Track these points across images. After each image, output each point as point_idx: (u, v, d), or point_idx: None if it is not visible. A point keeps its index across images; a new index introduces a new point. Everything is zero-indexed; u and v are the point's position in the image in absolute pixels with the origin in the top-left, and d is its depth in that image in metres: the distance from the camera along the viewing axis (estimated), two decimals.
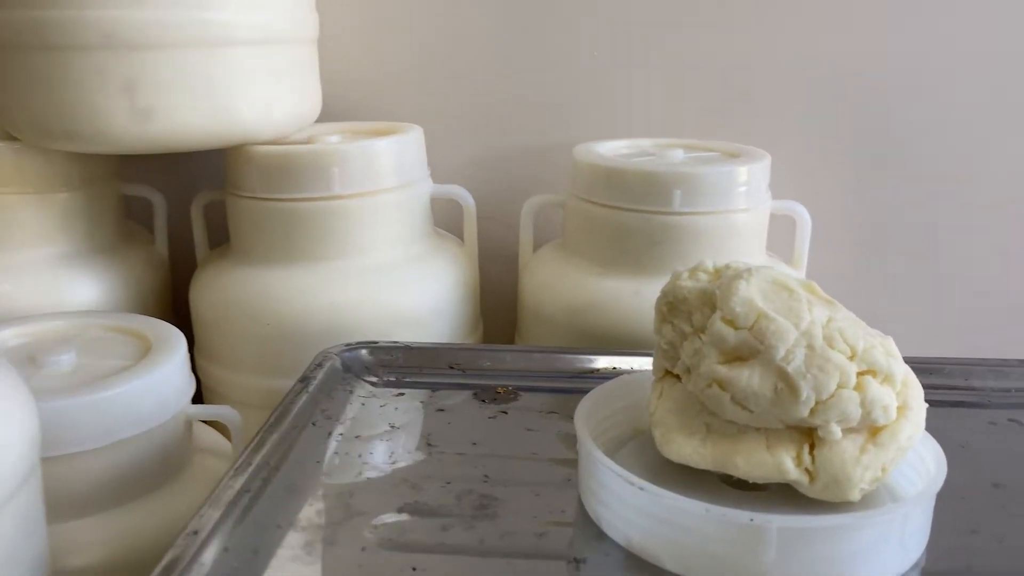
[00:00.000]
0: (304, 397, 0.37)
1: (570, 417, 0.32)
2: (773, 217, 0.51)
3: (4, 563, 0.26)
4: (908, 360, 0.28)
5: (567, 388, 0.40)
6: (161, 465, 0.40)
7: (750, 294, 0.28)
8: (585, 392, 0.33)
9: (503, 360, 0.42)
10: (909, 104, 0.56)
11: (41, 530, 0.29)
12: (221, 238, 0.54)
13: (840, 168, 0.57)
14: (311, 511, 0.30)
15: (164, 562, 0.25)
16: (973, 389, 0.40)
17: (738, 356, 0.28)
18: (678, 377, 0.31)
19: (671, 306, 0.31)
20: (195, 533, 0.26)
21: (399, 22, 0.57)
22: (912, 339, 0.57)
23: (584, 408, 0.32)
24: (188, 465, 0.42)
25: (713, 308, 0.29)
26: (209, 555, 0.26)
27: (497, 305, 0.59)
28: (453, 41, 0.57)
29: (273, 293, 0.47)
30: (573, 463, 0.33)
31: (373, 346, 0.42)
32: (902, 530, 0.26)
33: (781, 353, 0.27)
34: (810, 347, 0.27)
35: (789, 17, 0.55)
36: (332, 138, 0.51)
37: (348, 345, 0.42)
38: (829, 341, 0.27)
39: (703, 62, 0.56)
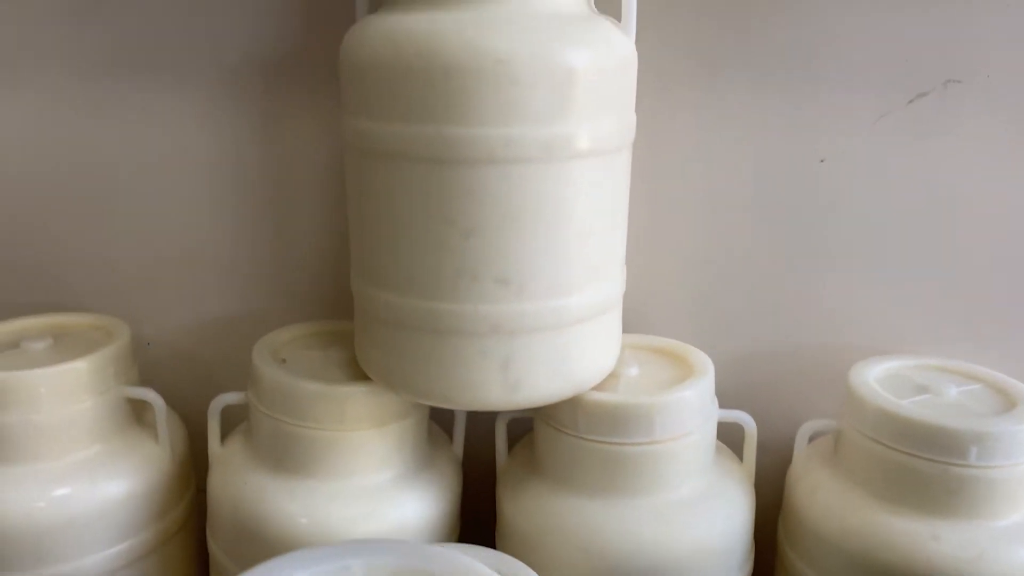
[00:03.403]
0: None
1: None
2: None
3: None
4: None
5: None
6: None
7: None
8: None
9: None
10: None
11: None
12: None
13: None
14: None
15: None
16: None
17: None
18: None
19: None
20: None
21: (674, 249, 0.63)
22: None
23: None
24: None
25: None
26: None
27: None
28: (724, 266, 0.63)
29: (600, 526, 0.53)
30: None
31: None
32: None
33: None
34: None
35: None
36: (632, 370, 0.57)
37: None
38: None
39: (966, 282, 0.61)
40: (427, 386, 0.50)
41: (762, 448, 0.60)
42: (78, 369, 0.55)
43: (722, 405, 0.58)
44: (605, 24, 0.48)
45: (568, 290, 0.49)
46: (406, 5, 0.47)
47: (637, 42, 0.51)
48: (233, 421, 0.61)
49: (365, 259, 0.51)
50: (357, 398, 0.54)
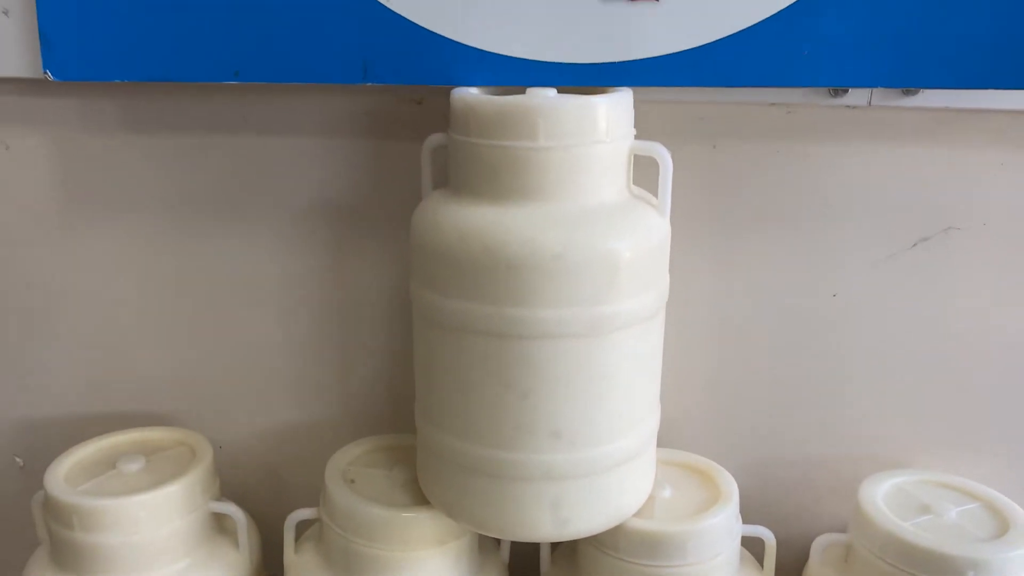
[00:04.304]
0: None
1: None
2: None
3: None
4: None
5: None
6: None
7: None
8: None
9: None
10: None
11: None
12: None
13: None
14: None
15: None
16: None
17: None
18: None
19: None
20: None
21: (702, 372, 0.69)
22: None
23: None
24: None
25: None
26: None
27: None
28: (747, 386, 0.70)
29: None
30: None
31: None
32: None
33: None
34: None
35: None
36: (665, 492, 0.63)
37: None
38: None
39: (964, 401, 0.68)
40: (484, 520, 0.57)
41: (780, 547, 0.66)
42: (171, 493, 0.62)
43: (743, 510, 0.65)
44: (643, 209, 0.54)
45: (613, 438, 0.55)
46: (471, 194, 0.53)
47: (674, 194, 0.57)
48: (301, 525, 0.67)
49: (430, 405, 0.58)
50: (420, 523, 0.60)
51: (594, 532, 0.58)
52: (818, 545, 0.65)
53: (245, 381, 0.73)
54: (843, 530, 0.66)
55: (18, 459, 0.77)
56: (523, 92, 0.55)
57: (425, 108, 0.64)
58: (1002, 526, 0.62)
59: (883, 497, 0.64)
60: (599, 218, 0.52)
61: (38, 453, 0.76)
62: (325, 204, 0.67)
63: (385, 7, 0.56)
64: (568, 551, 0.67)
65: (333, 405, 0.73)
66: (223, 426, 0.73)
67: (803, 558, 0.68)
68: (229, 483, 0.70)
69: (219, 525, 0.67)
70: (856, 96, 0.60)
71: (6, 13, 0.61)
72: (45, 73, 0.60)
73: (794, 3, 0.54)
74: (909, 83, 0.56)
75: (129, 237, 0.70)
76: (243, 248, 0.69)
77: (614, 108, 0.52)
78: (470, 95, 0.53)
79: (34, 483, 0.76)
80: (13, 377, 0.75)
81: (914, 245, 0.65)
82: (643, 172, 0.57)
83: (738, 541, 0.63)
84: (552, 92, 0.55)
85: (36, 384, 0.75)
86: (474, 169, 0.53)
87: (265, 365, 0.72)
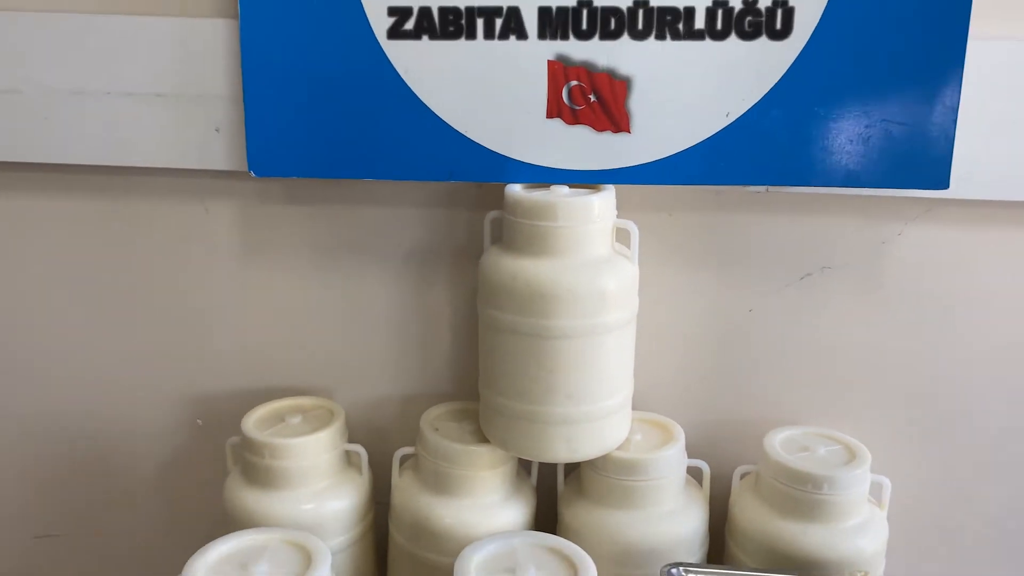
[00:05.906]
0: None
1: None
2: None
3: None
4: None
5: None
6: None
7: None
8: None
9: None
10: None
11: None
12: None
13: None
14: None
15: None
16: None
17: None
18: None
19: None
20: None
21: (662, 358, 1.04)
22: None
23: None
24: None
25: None
26: None
27: None
28: (691, 368, 1.05)
29: (621, 527, 0.94)
30: None
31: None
32: None
33: None
34: None
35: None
36: (637, 436, 0.98)
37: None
38: None
39: (838, 379, 1.03)
40: (524, 449, 0.92)
41: (713, 477, 1.01)
42: (322, 437, 0.97)
43: (689, 451, 0.99)
44: (621, 260, 0.90)
45: (603, 399, 0.90)
46: (517, 251, 0.88)
47: (641, 246, 0.92)
48: (403, 458, 1.02)
49: (490, 378, 0.93)
50: (482, 454, 0.96)
51: (591, 457, 0.93)
52: (737, 472, 1.00)
53: (362, 366, 1.08)
54: (755, 463, 1.01)
55: (199, 421, 1.13)
56: (548, 188, 0.91)
57: (483, 191, 1.00)
58: (851, 458, 0.97)
59: (779, 442, 0.99)
60: (594, 266, 0.87)
61: (212, 417, 1.12)
62: (417, 252, 1.03)
63: (465, 136, 0.91)
64: (575, 476, 1.02)
65: (420, 382, 1.08)
66: (348, 396, 1.08)
67: (729, 485, 1.02)
68: (352, 433, 1.05)
69: (348, 460, 1.03)
70: (758, 187, 0.96)
71: (218, 131, 0.97)
72: (249, 172, 0.95)
73: (713, 135, 0.90)
74: (783, 183, 0.92)
75: (285, 273, 1.05)
76: (362, 281, 1.04)
77: (603, 201, 0.88)
78: (517, 191, 0.89)
79: (210, 439, 1.11)
80: (197, 363, 1.10)
81: (802, 279, 1.00)
82: (623, 235, 0.92)
83: (684, 468, 0.98)
84: (566, 189, 0.90)
85: (212, 369, 1.10)
86: (519, 236, 0.88)
87: (373, 356, 1.07)
